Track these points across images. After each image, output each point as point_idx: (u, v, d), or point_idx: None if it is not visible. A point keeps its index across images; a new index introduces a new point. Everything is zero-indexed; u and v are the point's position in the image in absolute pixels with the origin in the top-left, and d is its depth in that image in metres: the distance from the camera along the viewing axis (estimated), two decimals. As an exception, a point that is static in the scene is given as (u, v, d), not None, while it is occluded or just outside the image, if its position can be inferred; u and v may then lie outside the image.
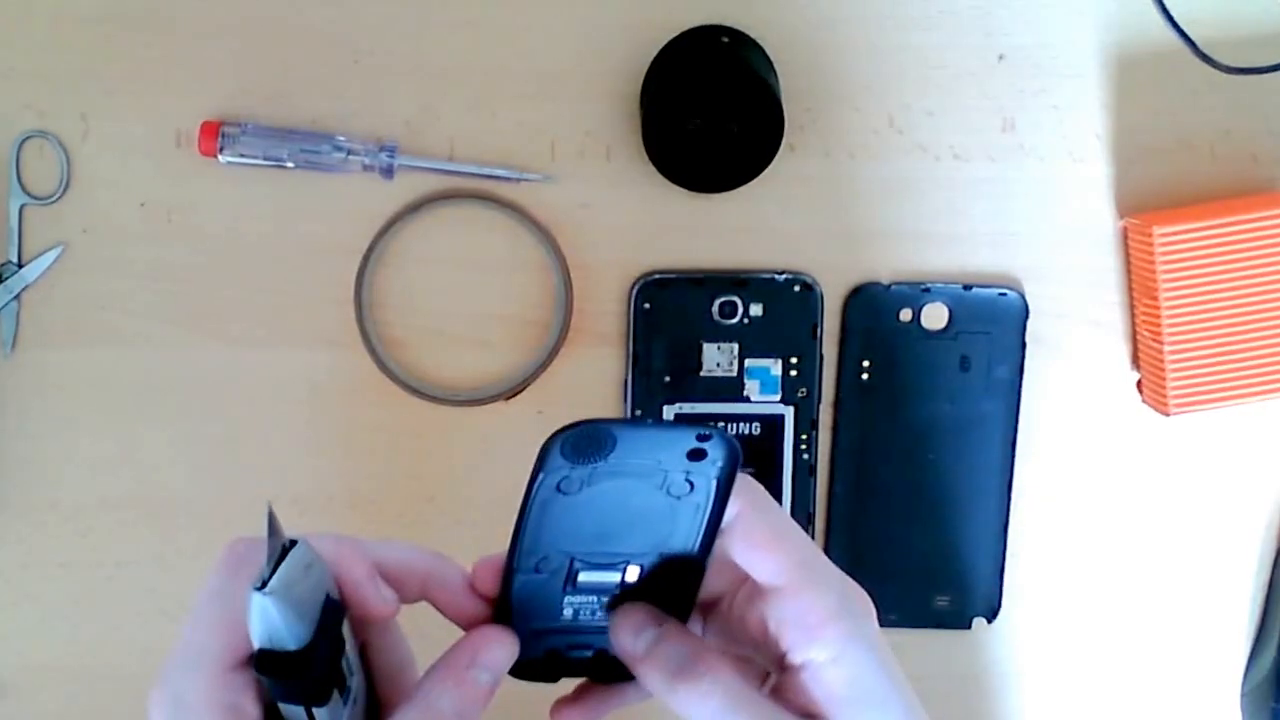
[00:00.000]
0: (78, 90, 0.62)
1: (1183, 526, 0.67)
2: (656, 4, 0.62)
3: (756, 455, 0.65)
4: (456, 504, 0.66)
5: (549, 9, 0.63)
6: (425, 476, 0.66)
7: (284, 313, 0.64)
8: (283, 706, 0.39)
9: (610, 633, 0.42)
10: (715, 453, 0.39)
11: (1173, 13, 0.63)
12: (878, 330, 0.65)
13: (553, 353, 0.64)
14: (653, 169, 0.61)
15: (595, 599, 0.42)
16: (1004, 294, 0.65)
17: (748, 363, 0.64)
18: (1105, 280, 0.66)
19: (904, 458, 0.66)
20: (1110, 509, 0.67)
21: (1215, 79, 0.63)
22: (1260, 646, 0.68)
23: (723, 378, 0.64)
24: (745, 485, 0.40)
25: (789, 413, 0.65)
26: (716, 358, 0.64)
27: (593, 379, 0.65)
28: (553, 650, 0.43)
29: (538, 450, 0.38)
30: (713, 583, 0.43)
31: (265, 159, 0.62)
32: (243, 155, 0.62)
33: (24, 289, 0.63)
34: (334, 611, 0.39)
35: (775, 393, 0.65)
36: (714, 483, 0.39)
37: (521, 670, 0.43)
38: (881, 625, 0.42)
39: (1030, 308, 0.65)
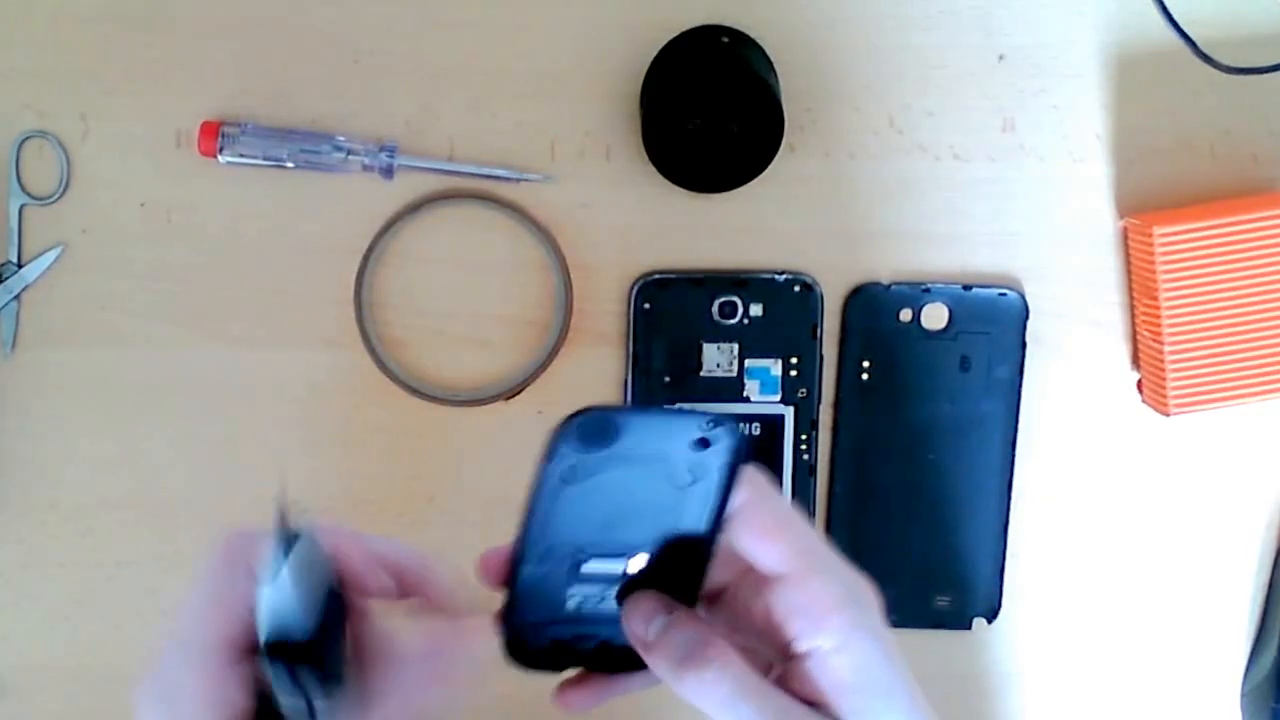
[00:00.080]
0: (78, 90, 0.63)
1: (1183, 526, 0.67)
2: (656, 4, 0.62)
3: (756, 455, 0.65)
4: (456, 504, 0.66)
5: (549, 9, 0.63)
6: (425, 476, 0.66)
7: (284, 313, 0.64)
8: (282, 697, 0.39)
9: (621, 619, 0.42)
10: (721, 442, 0.39)
11: (1173, 13, 0.63)
12: (878, 330, 0.65)
13: (553, 353, 0.64)
14: (653, 169, 0.61)
15: (600, 589, 0.42)
16: (1004, 294, 0.65)
17: (748, 363, 0.64)
18: (1105, 280, 0.66)
19: (904, 458, 0.66)
20: (1110, 509, 0.67)
21: (1215, 79, 0.63)
22: (1260, 646, 0.68)
23: (723, 378, 0.64)
24: (750, 475, 0.40)
25: (789, 413, 0.65)
26: (716, 358, 0.64)
27: (593, 379, 0.65)
28: (557, 640, 0.43)
29: (545, 439, 0.38)
30: (717, 573, 0.43)
31: (265, 159, 0.62)
32: (242, 155, 0.62)
33: (24, 289, 0.63)
34: (337, 603, 0.39)
35: (775, 393, 0.65)
36: (720, 472, 0.40)
37: (525, 660, 0.43)
38: (881, 624, 0.42)
39: (1030, 308, 0.65)
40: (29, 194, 0.63)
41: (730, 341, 0.64)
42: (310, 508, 0.40)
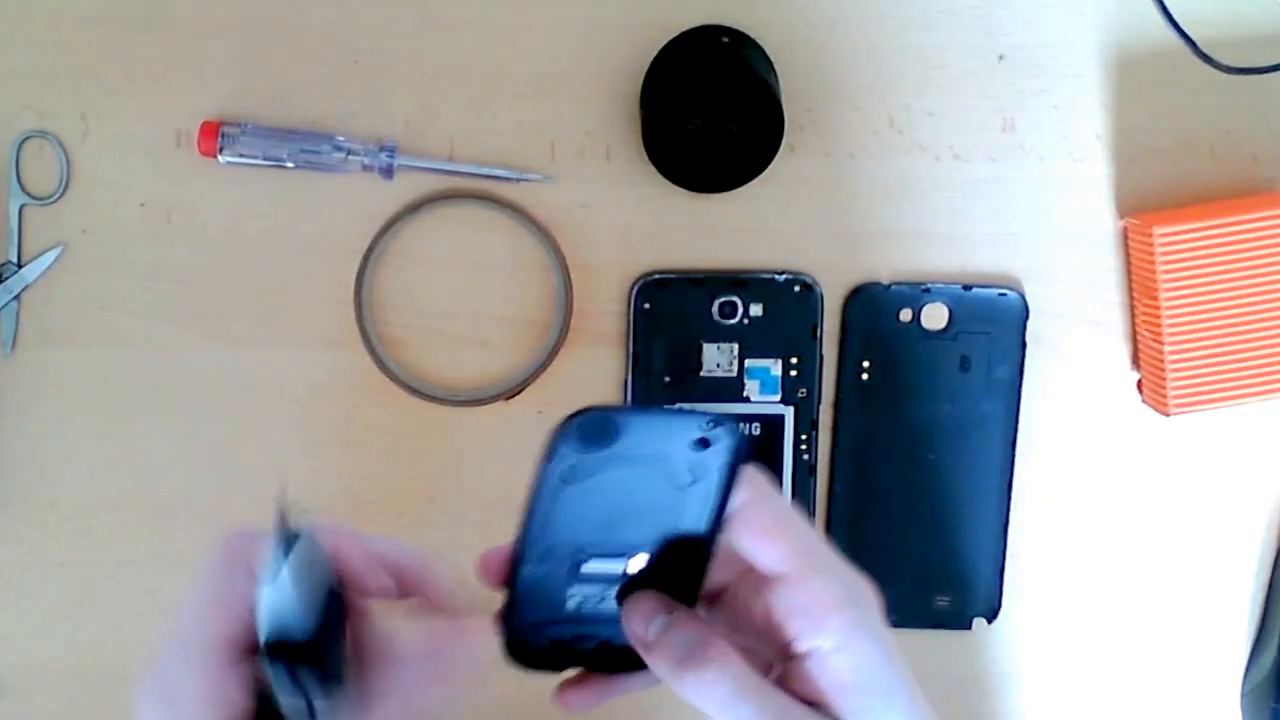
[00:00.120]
0: (78, 90, 0.63)
1: (1183, 526, 0.67)
2: (656, 4, 0.62)
3: (756, 455, 0.65)
4: (456, 504, 0.66)
5: (549, 9, 0.63)
6: (425, 476, 0.66)
7: (284, 313, 0.64)
8: (282, 697, 0.39)
9: (621, 619, 0.42)
10: (721, 442, 0.39)
11: (1173, 13, 0.63)
12: (878, 330, 0.65)
13: (553, 353, 0.64)
14: (653, 169, 0.61)
15: (600, 589, 0.42)
16: (1004, 294, 0.65)
17: (748, 363, 0.64)
18: (1105, 280, 0.66)
19: (904, 458, 0.66)
20: (1110, 509, 0.67)
21: (1215, 79, 0.63)
22: (1260, 646, 0.68)
23: (723, 378, 0.64)
24: (750, 475, 0.40)
25: (789, 413, 0.65)
26: (716, 358, 0.64)
27: (593, 379, 0.65)
28: (557, 640, 0.43)
29: (545, 439, 0.38)
30: (717, 573, 0.43)
31: (265, 159, 0.62)
32: (242, 155, 0.62)
33: (24, 289, 0.63)
34: (337, 603, 0.39)
35: (775, 393, 0.65)
36: (720, 472, 0.40)
37: (525, 660, 0.43)
38: (882, 624, 0.42)
39: (1030, 308, 0.65)
40: (29, 194, 0.63)
41: (730, 341, 0.64)
42: (310, 507, 0.40)
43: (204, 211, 0.63)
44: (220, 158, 0.62)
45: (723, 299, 0.64)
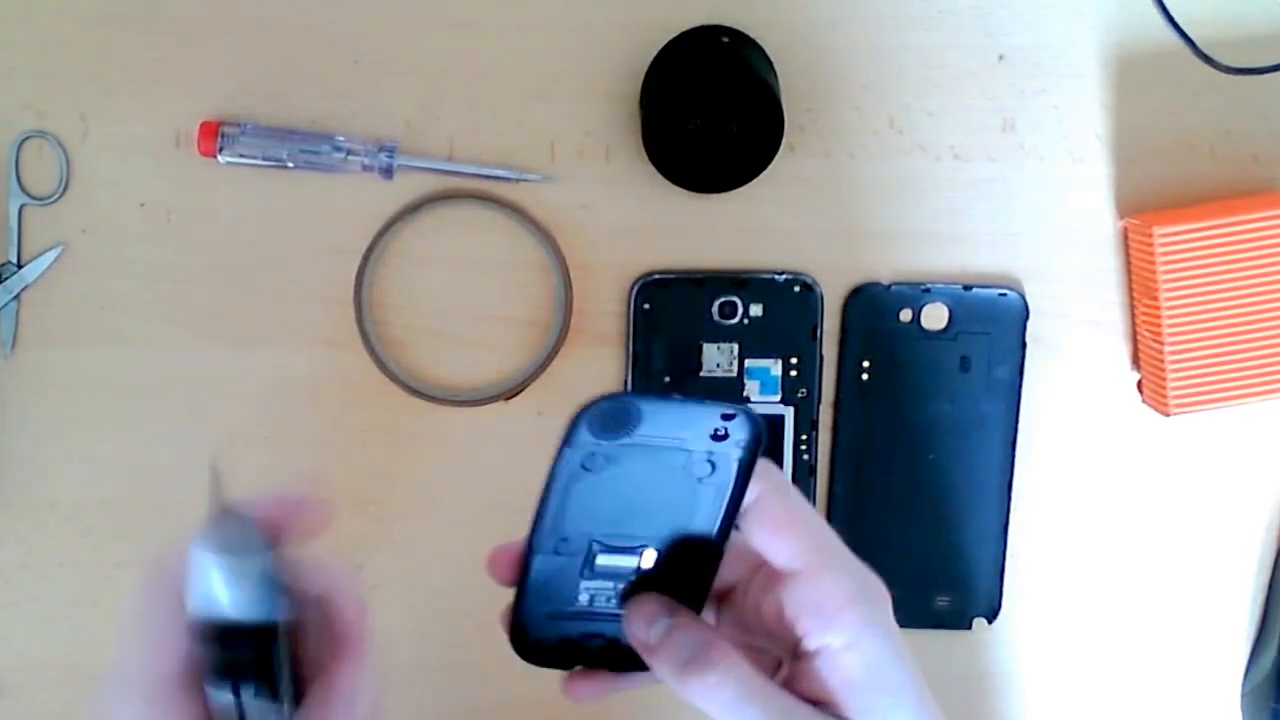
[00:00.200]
0: (78, 90, 0.62)
1: (1183, 526, 0.67)
2: (656, 4, 0.62)
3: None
4: (456, 504, 0.66)
5: (548, 9, 0.63)
6: (425, 476, 0.66)
7: (284, 313, 0.64)
8: (212, 693, 0.39)
9: (624, 622, 0.42)
10: (739, 433, 0.39)
11: (1173, 13, 0.63)
12: (878, 330, 0.65)
13: (553, 353, 0.64)
14: (653, 169, 0.61)
15: (611, 585, 0.42)
16: (1004, 294, 0.65)
17: (748, 363, 0.64)
18: (1105, 280, 0.66)
19: (904, 458, 0.66)
20: (1110, 509, 0.67)
21: (1215, 79, 0.63)
22: (1260, 647, 0.68)
23: (723, 378, 0.64)
24: (764, 469, 0.40)
25: (789, 413, 0.65)
26: (716, 358, 0.64)
27: (593, 379, 0.65)
28: (566, 637, 0.43)
29: (565, 424, 0.38)
30: (728, 571, 0.43)
31: (265, 159, 0.62)
32: (242, 155, 0.62)
33: (24, 289, 0.63)
34: (278, 592, 0.39)
35: (775, 393, 0.65)
36: (735, 464, 0.40)
37: (534, 656, 0.43)
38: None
39: (1030, 308, 0.65)
40: (29, 194, 0.63)
41: (730, 341, 0.64)
42: (248, 494, 0.39)
43: (204, 212, 0.63)
44: (220, 158, 0.62)
45: (723, 299, 0.64)
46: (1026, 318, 0.65)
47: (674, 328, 0.64)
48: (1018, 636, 0.68)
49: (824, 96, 0.64)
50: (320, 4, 0.62)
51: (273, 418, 0.65)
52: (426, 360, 0.65)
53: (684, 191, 0.62)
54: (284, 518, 0.40)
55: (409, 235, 0.64)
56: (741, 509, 0.41)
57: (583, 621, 0.43)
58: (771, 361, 0.65)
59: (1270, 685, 0.66)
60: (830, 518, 0.66)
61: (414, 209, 0.63)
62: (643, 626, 0.41)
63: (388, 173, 0.62)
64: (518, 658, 0.43)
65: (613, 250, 0.64)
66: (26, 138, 0.62)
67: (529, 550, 0.41)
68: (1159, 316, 0.61)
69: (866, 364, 0.65)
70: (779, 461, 0.65)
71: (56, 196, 0.63)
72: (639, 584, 0.42)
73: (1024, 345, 0.65)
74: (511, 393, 0.65)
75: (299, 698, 0.41)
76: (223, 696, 0.39)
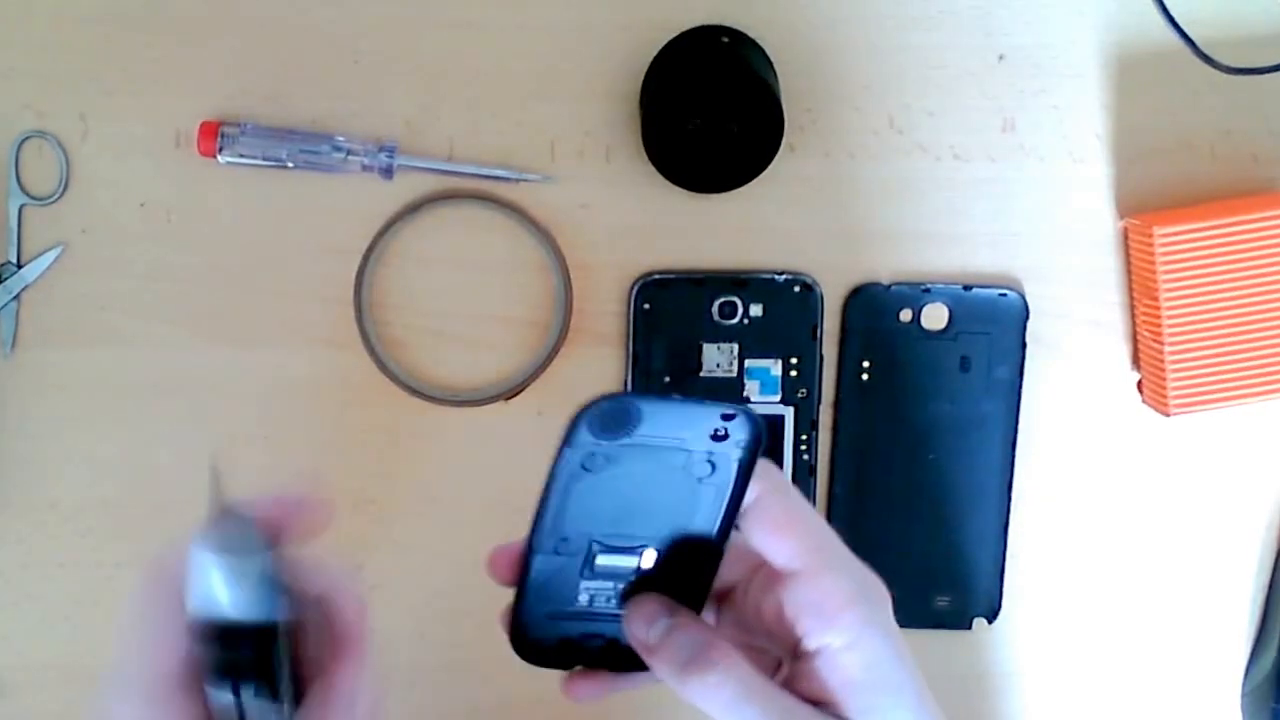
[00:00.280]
0: (77, 90, 0.62)
1: (1183, 526, 0.67)
2: (656, 4, 0.62)
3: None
4: (456, 504, 0.66)
5: (548, 9, 0.63)
6: (425, 476, 0.66)
7: (284, 313, 0.64)
8: (212, 693, 0.39)
9: (623, 622, 0.42)
10: (738, 434, 0.39)
11: (1173, 13, 0.63)
12: (878, 330, 0.65)
13: (553, 353, 0.64)
14: (653, 169, 0.61)
15: (611, 585, 0.42)
16: (1004, 294, 0.64)
17: (748, 363, 0.64)
18: (1105, 280, 0.66)
19: (904, 458, 0.66)
20: (1110, 509, 0.67)
21: (1215, 79, 0.63)
22: (1260, 647, 0.68)
23: (723, 378, 0.64)
24: (764, 469, 0.40)
25: (789, 413, 0.65)
26: (716, 358, 0.64)
27: (593, 379, 0.65)
28: (566, 637, 0.43)
29: (565, 424, 0.38)
30: (728, 572, 0.43)
31: (265, 159, 0.62)
32: (242, 155, 0.62)
33: (24, 289, 0.63)
34: (278, 593, 0.39)
35: (775, 393, 0.65)
36: (735, 464, 0.40)
37: (534, 656, 0.43)
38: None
39: (1030, 308, 0.65)
40: (29, 194, 0.63)
41: (730, 341, 0.64)
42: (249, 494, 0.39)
43: (204, 212, 0.63)
44: (220, 158, 0.62)
45: (723, 299, 0.64)
46: (1026, 318, 0.65)
47: (674, 328, 0.64)
48: (1018, 636, 0.68)
49: (824, 96, 0.64)
50: (320, 4, 0.62)
51: (273, 418, 0.65)
52: (426, 360, 0.65)
53: (684, 191, 0.62)
54: (284, 518, 0.40)
55: (409, 235, 0.64)
56: (741, 509, 0.41)
57: (583, 621, 0.43)
58: (771, 361, 0.65)
59: (1270, 685, 0.66)
60: (830, 518, 0.66)
61: (414, 209, 0.63)
62: (643, 626, 0.41)
63: (388, 173, 0.62)
64: (518, 658, 0.43)
65: (613, 250, 0.64)
66: (26, 138, 0.62)
67: (529, 550, 0.41)
68: (1159, 316, 0.61)
69: (866, 364, 0.65)
70: (779, 461, 0.65)
71: (56, 196, 0.63)
72: (639, 584, 0.42)
73: (1024, 345, 0.65)
74: (511, 393, 0.65)
75: (299, 698, 0.41)
76: (223, 696, 0.39)
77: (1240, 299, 0.61)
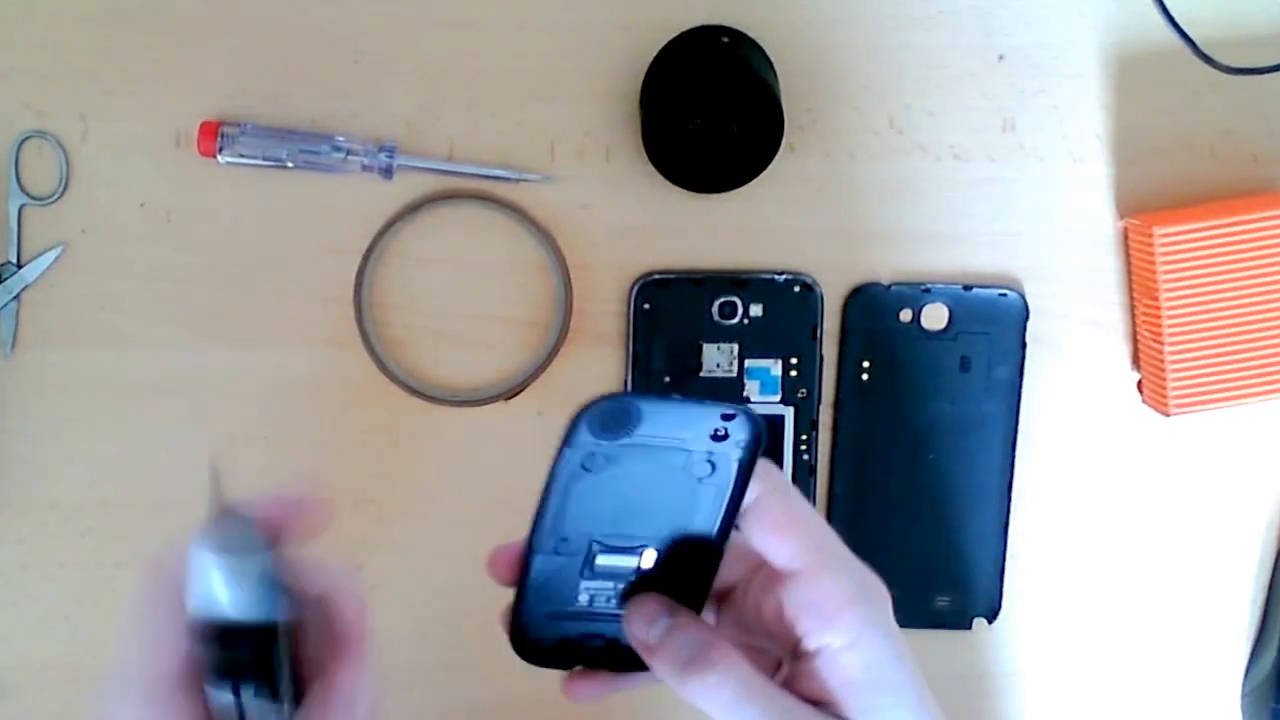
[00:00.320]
0: (77, 90, 0.62)
1: (1183, 526, 0.67)
2: (656, 4, 0.62)
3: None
4: (456, 504, 0.66)
5: (548, 9, 0.63)
6: (425, 476, 0.66)
7: (284, 313, 0.64)
8: (212, 693, 0.39)
9: (623, 622, 0.42)
10: (738, 434, 0.39)
11: (1173, 13, 0.63)
12: (878, 330, 0.65)
13: (553, 353, 0.64)
14: (653, 169, 0.61)
15: (611, 585, 0.42)
16: (1004, 294, 0.64)
17: (748, 363, 0.64)
18: (1105, 280, 0.66)
19: (904, 458, 0.66)
20: (1110, 509, 0.67)
21: (1215, 79, 0.63)
22: (1260, 647, 0.68)
23: (723, 378, 0.64)
24: (764, 469, 0.40)
25: (789, 413, 0.65)
26: (716, 358, 0.64)
27: (593, 379, 0.65)
28: (566, 637, 0.43)
29: (565, 424, 0.38)
30: (727, 572, 0.43)
31: (264, 159, 0.62)
32: (242, 155, 0.62)
33: (24, 289, 0.63)
34: (278, 593, 0.39)
35: (775, 393, 0.65)
36: (736, 465, 0.40)
37: (533, 656, 0.43)
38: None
39: (1030, 308, 0.65)
40: (29, 194, 0.63)
41: (730, 342, 0.64)
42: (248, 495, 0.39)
43: (204, 212, 0.63)
44: (220, 158, 0.62)
45: (723, 299, 0.64)
46: (1026, 318, 0.65)
47: (674, 328, 0.64)
48: (1018, 636, 0.68)
49: (824, 96, 0.64)
50: (320, 4, 0.62)
51: (273, 418, 0.65)
52: (426, 360, 0.65)
53: (684, 191, 0.62)
54: (284, 518, 0.40)
55: (409, 235, 0.64)
56: (742, 509, 0.41)
57: (583, 621, 0.43)
58: (771, 361, 0.65)
59: (1270, 685, 0.66)
60: (830, 518, 0.66)
61: (414, 209, 0.63)
62: (643, 626, 0.41)
63: (387, 173, 0.62)
64: (518, 658, 0.43)
65: (613, 250, 0.64)
66: (26, 138, 0.62)
67: (529, 550, 0.41)
68: (1159, 316, 0.61)
69: (866, 364, 0.65)
70: (779, 461, 0.65)
71: (56, 196, 0.63)
72: (639, 584, 0.42)
73: (1024, 345, 0.65)
74: (511, 393, 0.65)
75: (299, 698, 0.41)
76: (223, 696, 0.39)
77: (1240, 299, 0.61)
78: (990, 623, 0.67)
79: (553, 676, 0.44)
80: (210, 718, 0.40)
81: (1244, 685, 0.68)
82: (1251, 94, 0.64)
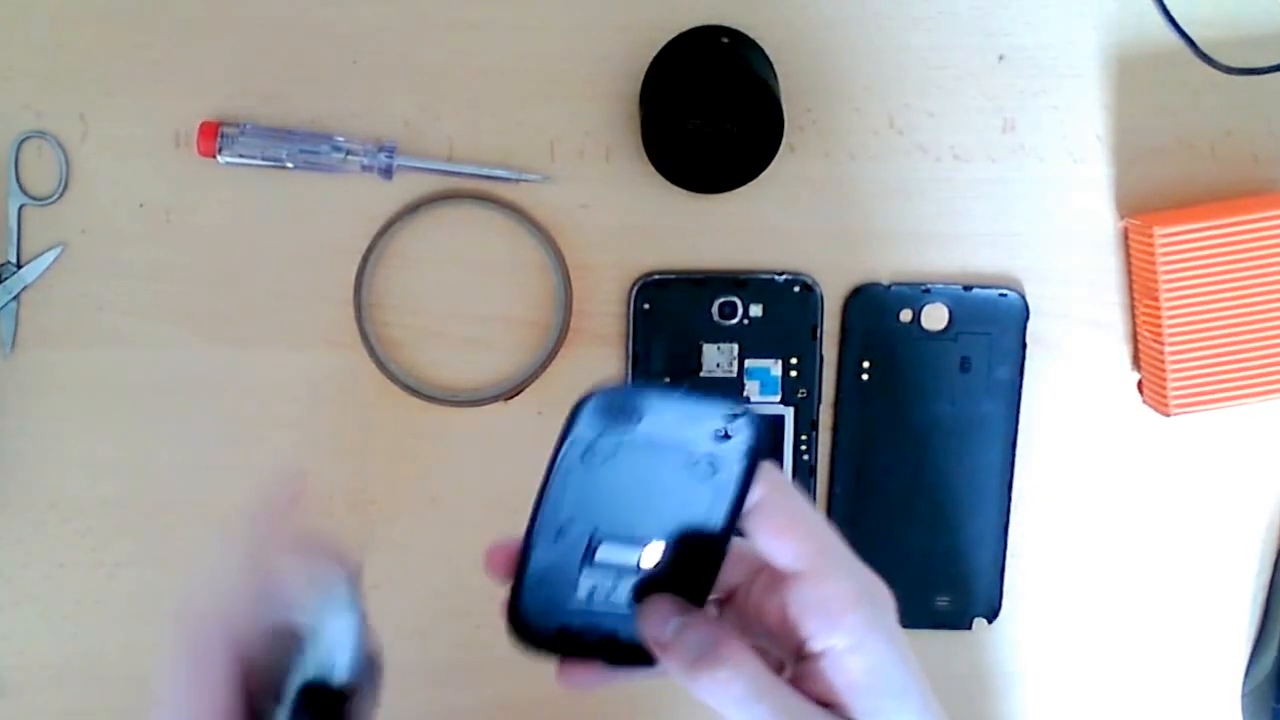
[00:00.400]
0: (77, 90, 0.62)
1: (1183, 526, 0.67)
2: (656, 4, 0.62)
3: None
4: (456, 504, 0.66)
5: (548, 9, 0.63)
6: (425, 476, 0.66)
7: (284, 313, 0.64)
8: None
9: (637, 622, 0.42)
10: (742, 434, 0.39)
11: (1173, 13, 0.63)
12: (878, 331, 0.65)
13: (553, 353, 0.64)
14: (652, 169, 0.61)
15: (612, 579, 0.42)
16: (1004, 294, 0.64)
17: (748, 363, 0.64)
18: (1105, 280, 0.66)
19: (904, 458, 0.66)
20: (1110, 509, 0.67)
21: (1215, 79, 0.63)
22: (1261, 647, 0.68)
23: (723, 378, 0.64)
24: (767, 471, 0.40)
25: (789, 413, 0.65)
26: (716, 358, 0.64)
27: (593, 379, 0.64)
28: (564, 627, 0.43)
29: (567, 414, 0.38)
30: (730, 573, 0.43)
31: (264, 159, 0.62)
32: (241, 156, 0.62)
33: (23, 289, 0.63)
34: (367, 661, 0.39)
35: (775, 393, 0.65)
36: (738, 465, 0.40)
37: (530, 643, 0.43)
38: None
39: (1030, 308, 0.65)
40: (28, 194, 0.63)
41: (730, 342, 0.64)
42: (310, 509, 0.40)
43: (203, 212, 0.63)
44: (219, 158, 0.62)
45: (722, 299, 0.64)
46: (1026, 318, 0.65)
47: (674, 328, 0.64)
48: (1018, 636, 0.68)
49: (824, 96, 0.64)
50: (320, 4, 0.62)
51: (273, 418, 0.65)
52: (426, 360, 0.65)
53: (684, 191, 0.62)
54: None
55: (409, 235, 0.64)
56: (744, 510, 0.41)
57: (582, 615, 0.43)
58: (771, 362, 0.65)
59: (1270, 685, 0.66)
60: (830, 518, 0.66)
61: (414, 209, 0.63)
62: (657, 625, 0.41)
63: (387, 173, 0.62)
64: (518, 656, 0.43)
65: (613, 250, 0.64)
66: (26, 138, 0.62)
67: (529, 538, 0.41)
68: (1159, 316, 0.61)
69: (866, 364, 0.65)
70: (779, 461, 0.65)
71: (56, 196, 0.63)
72: (645, 581, 0.42)
73: (1024, 345, 0.65)
74: (511, 393, 0.65)
75: None
76: None
77: (1240, 299, 0.61)
78: (990, 623, 0.67)
79: (552, 677, 0.44)
80: None
81: (1244, 685, 0.68)
82: (1251, 94, 0.64)
